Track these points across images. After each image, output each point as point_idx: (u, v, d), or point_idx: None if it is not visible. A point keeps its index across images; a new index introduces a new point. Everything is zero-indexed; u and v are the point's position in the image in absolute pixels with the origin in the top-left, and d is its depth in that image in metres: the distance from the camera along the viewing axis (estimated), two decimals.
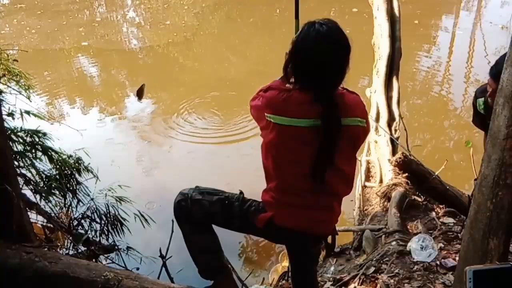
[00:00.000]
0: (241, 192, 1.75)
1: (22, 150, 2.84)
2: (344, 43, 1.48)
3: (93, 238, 3.19)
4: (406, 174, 3.33)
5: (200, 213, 1.69)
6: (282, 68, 1.60)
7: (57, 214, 3.17)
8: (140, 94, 1.93)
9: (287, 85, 1.60)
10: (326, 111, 1.47)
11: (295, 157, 1.54)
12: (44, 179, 2.93)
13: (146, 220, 3.20)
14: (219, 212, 1.69)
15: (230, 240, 3.46)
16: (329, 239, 1.96)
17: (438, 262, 2.41)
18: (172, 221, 2.64)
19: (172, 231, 2.60)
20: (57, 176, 2.97)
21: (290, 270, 2.24)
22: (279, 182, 1.60)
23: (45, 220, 3.07)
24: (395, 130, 3.83)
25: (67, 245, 3.09)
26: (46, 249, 2.22)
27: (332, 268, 2.80)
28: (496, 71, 1.99)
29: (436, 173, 3.37)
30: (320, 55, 1.46)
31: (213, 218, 1.72)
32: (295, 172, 1.56)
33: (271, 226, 1.62)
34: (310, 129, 1.48)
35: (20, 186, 2.52)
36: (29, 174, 2.89)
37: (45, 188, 2.92)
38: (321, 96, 1.48)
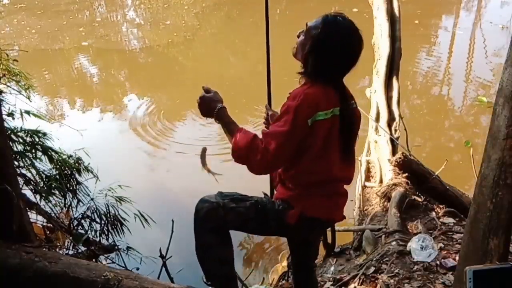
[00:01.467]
0: (266, 195, 1.72)
1: (22, 150, 2.84)
2: (360, 35, 1.55)
3: (93, 238, 3.19)
4: (406, 174, 3.33)
5: (237, 222, 1.61)
6: (302, 64, 1.59)
7: (57, 214, 3.17)
8: (203, 160, 1.85)
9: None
10: (344, 98, 1.56)
11: (334, 147, 1.57)
12: (44, 179, 2.93)
13: (146, 220, 3.20)
14: (253, 218, 1.62)
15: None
16: (329, 239, 1.96)
17: (438, 262, 2.41)
18: (172, 221, 2.65)
19: (172, 231, 2.60)
20: (57, 176, 2.97)
21: (292, 269, 2.24)
22: (312, 176, 1.59)
23: (45, 220, 3.07)
24: (395, 130, 3.82)
25: (67, 245, 3.09)
26: (46, 249, 2.22)
27: (332, 268, 2.80)
28: None
29: (436, 173, 3.37)
30: (352, 50, 1.52)
31: (247, 225, 1.65)
32: (333, 161, 1.59)
33: (303, 220, 1.62)
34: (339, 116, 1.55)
35: (20, 186, 2.52)
36: (29, 174, 2.89)
37: (45, 188, 2.92)
38: (339, 84, 1.57)
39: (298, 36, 1.62)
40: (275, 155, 1.44)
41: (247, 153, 1.47)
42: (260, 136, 1.51)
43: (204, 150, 1.81)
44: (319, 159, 1.54)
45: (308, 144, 1.50)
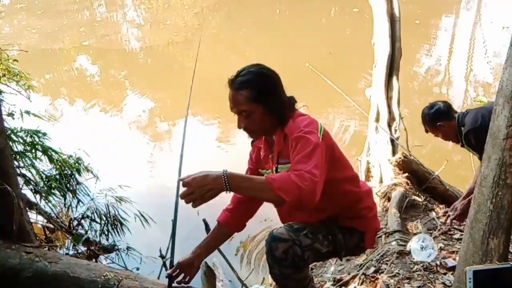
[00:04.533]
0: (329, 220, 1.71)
1: (22, 150, 2.85)
2: None
3: (93, 238, 3.19)
4: (406, 174, 3.33)
5: (313, 258, 1.59)
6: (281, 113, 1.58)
7: (57, 214, 3.17)
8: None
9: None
10: None
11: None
12: (44, 179, 2.93)
13: (146, 220, 3.21)
14: (327, 250, 1.62)
15: (230, 240, 3.46)
16: None
17: (438, 262, 2.41)
18: (172, 221, 2.65)
19: (172, 231, 2.59)
20: (57, 176, 2.98)
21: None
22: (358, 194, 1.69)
23: (45, 220, 3.07)
24: (395, 130, 3.82)
25: (67, 245, 3.09)
26: (46, 249, 2.23)
27: (332, 268, 2.80)
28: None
29: (436, 173, 3.37)
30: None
31: (320, 257, 1.66)
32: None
33: (376, 236, 1.74)
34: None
35: (20, 186, 2.52)
36: (29, 174, 2.89)
37: (45, 188, 2.92)
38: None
39: (238, 109, 1.56)
40: (319, 171, 1.36)
41: (297, 185, 1.28)
42: None
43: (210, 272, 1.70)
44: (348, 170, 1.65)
45: (333, 156, 1.55)
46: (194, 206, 1.26)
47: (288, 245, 1.50)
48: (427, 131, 2.63)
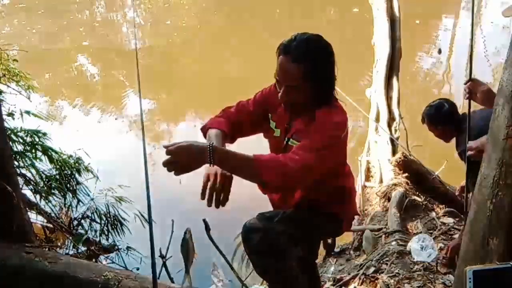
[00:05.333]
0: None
1: (22, 150, 2.85)
2: None
3: (93, 238, 3.19)
4: (406, 174, 3.33)
5: (289, 243, 1.55)
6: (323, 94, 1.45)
7: (57, 214, 3.17)
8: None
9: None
10: None
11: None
12: (44, 179, 2.94)
13: (146, 220, 3.20)
14: (302, 236, 1.60)
15: (230, 240, 3.47)
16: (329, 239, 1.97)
17: (438, 262, 2.41)
18: (172, 221, 2.65)
19: (172, 231, 2.60)
20: (57, 176, 2.98)
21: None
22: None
23: (45, 220, 3.07)
24: (395, 130, 3.83)
25: (67, 245, 3.09)
26: (46, 249, 2.23)
27: (332, 268, 2.80)
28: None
29: (436, 173, 3.37)
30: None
31: (297, 244, 1.61)
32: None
33: (352, 220, 1.75)
34: None
35: (20, 186, 2.52)
36: (29, 174, 2.89)
37: (45, 188, 2.92)
38: None
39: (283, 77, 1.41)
40: (316, 164, 1.33)
41: (283, 172, 1.27)
42: None
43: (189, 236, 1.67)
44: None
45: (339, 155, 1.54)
46: (176, 174, 1.27)
47: (261, 235, 1.47)
48: (423, 122, 2.64)
